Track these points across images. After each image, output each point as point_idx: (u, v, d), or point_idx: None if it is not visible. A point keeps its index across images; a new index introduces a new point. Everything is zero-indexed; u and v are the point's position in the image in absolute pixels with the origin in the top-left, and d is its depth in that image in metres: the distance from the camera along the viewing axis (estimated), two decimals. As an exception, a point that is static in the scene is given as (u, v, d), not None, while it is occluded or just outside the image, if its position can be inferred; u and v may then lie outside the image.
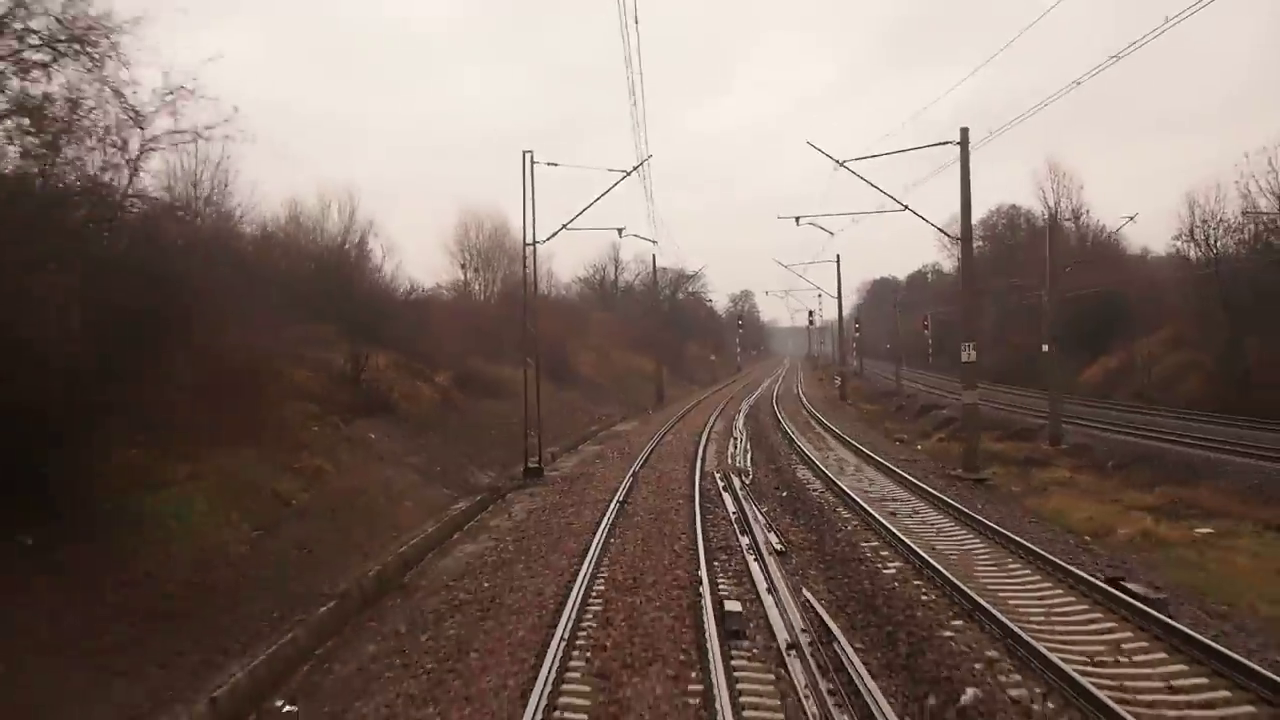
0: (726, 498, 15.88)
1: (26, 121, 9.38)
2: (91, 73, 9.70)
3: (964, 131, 18.42)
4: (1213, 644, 7.56)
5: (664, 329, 67.34)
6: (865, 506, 14.44)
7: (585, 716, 6.80)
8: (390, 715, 6.99)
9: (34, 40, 9.55)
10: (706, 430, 28.25)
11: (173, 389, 11.72)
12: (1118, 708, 6.34)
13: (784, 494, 16.71)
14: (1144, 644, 8.03)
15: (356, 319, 19.91)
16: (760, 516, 14.01)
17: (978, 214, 74.55)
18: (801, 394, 50.25)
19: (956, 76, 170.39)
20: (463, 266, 44.92)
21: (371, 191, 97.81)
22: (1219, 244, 41.03)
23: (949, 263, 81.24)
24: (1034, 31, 48.67)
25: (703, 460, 20.99)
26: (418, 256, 76.34)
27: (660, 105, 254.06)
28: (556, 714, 6.79)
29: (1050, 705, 6.74)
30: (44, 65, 9.52)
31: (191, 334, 11.70)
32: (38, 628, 7.69)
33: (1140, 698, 6.82)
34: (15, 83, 9.36)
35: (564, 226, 21.87)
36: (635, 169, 20.63)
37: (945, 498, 15.30)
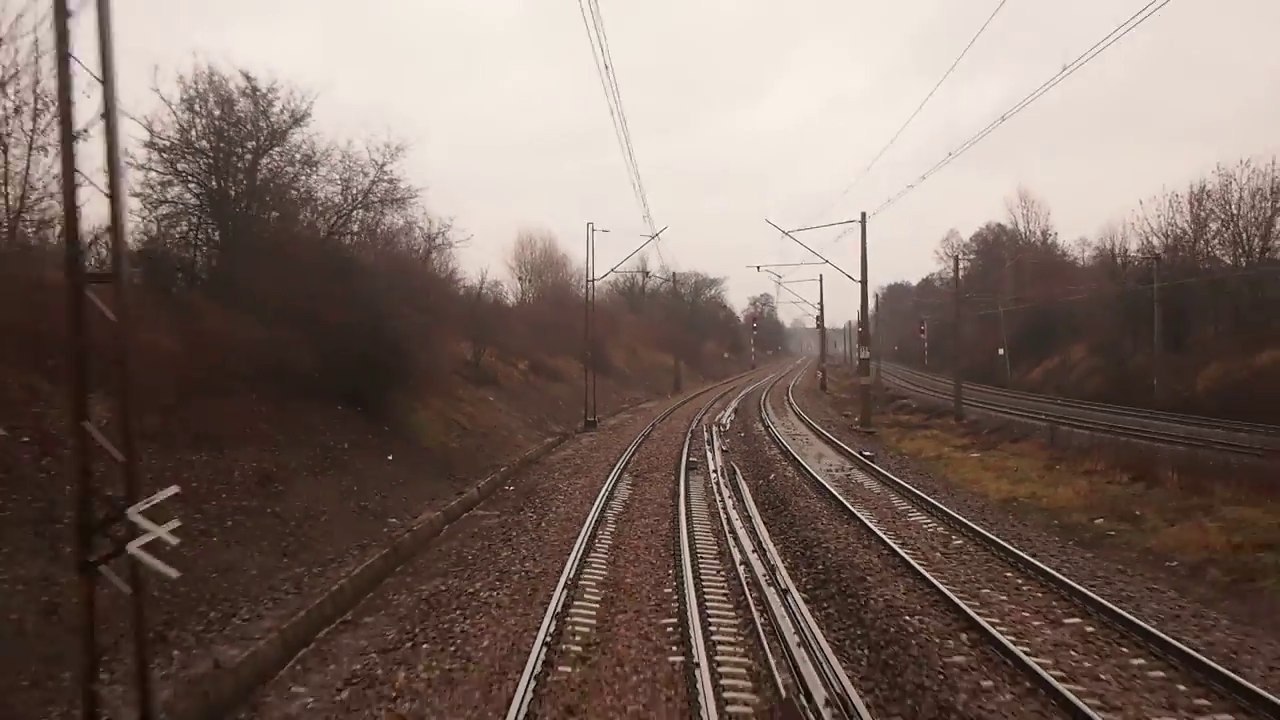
0: (706, 435, 26.92)
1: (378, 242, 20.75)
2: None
3: (863, 215, 29.23)
4: (886, 473, 18.55)
5: (684, 331, 78.75)
6: (781, 439, 25.45)
7: (630, 488, 17.92)
8: (553, 486, 18.20)
9: (376, 200, 20.95)
10: (708, 408, 39.29)
11: (413, 369, 22.97)
12: (829, 485, 17.36)
13: (741, 434, 27.77)
14: (855, 470, 19.07)
15: (477, 327, 31.17)
16: (719, 440, 25.09)
17: (972, 228, 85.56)
18: (792, 386, 61.08)
19: (986, 81, 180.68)
20: (520, 279, 56.29)
21: (437, 188, 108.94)
22: (1125, 269, 51.51)
23: (949, 271, 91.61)
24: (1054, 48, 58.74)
25: (699, 422, 32.03)
26: (477, 255, 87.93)
27: (697, 107, 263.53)
28: (620, 485, 17.92)
29: (805, 484, 17.74)
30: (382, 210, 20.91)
31: (427, 344, 23.00)
32: (396, 468, 18.93)
33: (838, 474, 17.84)
34: (372, 218, 20.75)
35: (612, 270, 33.05)
36: (654, 237, 31.64)
37: (831, 435, 26.30)
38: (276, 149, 19.22)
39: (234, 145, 18.34)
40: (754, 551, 11.55)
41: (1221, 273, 43.65)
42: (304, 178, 19.70)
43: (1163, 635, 8.04)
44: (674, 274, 74.74)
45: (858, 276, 29.92)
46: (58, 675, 6.28)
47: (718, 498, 15.79)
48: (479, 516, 16.13)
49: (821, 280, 58.00)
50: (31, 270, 12.35)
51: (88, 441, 5.06)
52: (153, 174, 17.13)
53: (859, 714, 6.42)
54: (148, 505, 5.09)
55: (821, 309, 59.21)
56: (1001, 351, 63.79)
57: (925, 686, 7.14)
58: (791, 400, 45.38)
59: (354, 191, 21.21)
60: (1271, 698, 6.54)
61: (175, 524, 5.22)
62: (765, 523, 13.82)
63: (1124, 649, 8.03)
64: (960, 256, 61.13)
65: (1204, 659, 7.42)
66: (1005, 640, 8.01)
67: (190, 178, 17.77)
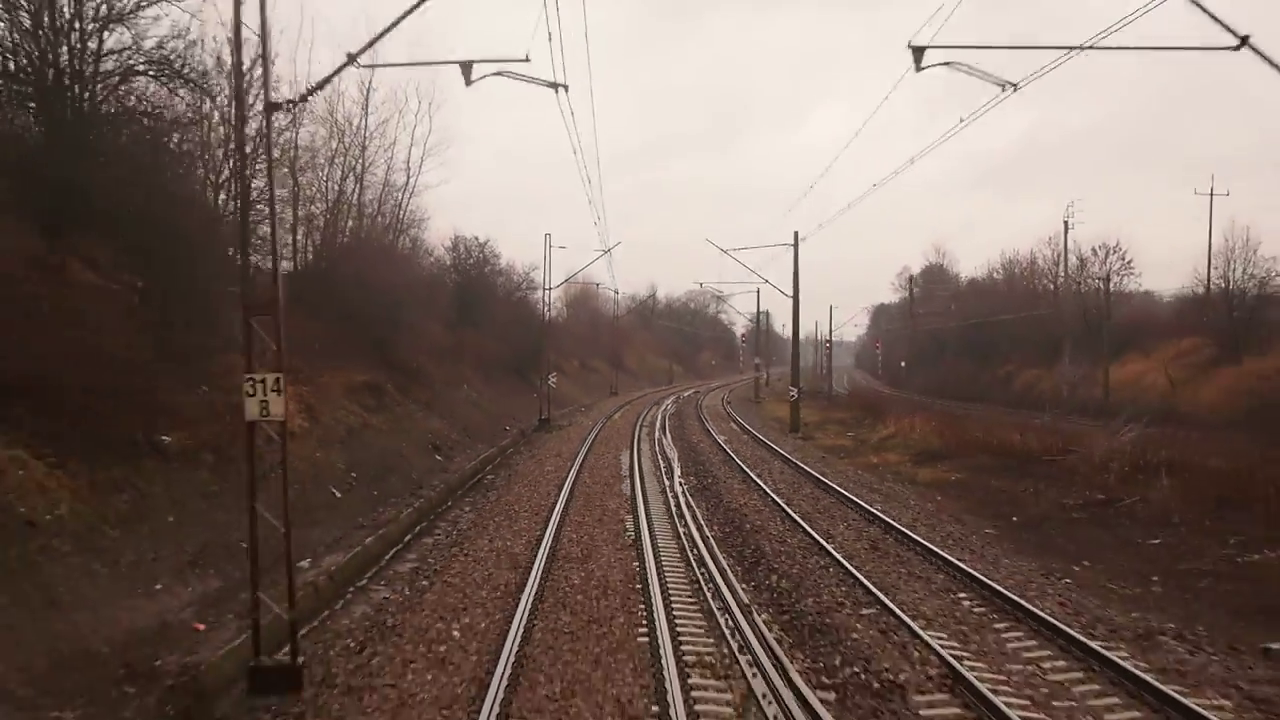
0: (662, 415, 52.70)
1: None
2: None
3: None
4: (734, 413, 44.33)
5: (682, 344, 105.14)
6: (708, 425, 51.23)
7: (620, 414, 43.75)
8: (593, 404, 44.18)
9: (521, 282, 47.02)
10: (675, 396, 65.03)
11: (537, 360, 48.97)
12: (707, 417, 43.17)
13: (691, 404, 53.65)
14: (731, 406, 44.93)
15: (552, 339, 57.22)
16: (668, 421, 50.98)
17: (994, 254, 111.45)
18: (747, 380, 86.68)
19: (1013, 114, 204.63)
20: (566, 305, 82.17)
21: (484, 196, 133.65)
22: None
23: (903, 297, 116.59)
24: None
25: (663, 406, 57.70)
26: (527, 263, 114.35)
27: (737, 128, 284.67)
28: (617, 413, 43.77)
29: (697, 413, 43.54)
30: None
31: (537, 348, 49.25)
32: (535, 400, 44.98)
33: (722, 408, 43.70)
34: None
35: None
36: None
37: (733, 400, 52.06)
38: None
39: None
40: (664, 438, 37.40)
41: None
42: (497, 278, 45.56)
43: (840, 489, 33.72)
44: (664, 301, 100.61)
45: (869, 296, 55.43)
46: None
47: (659, 417, 41.54)
48: (585, 409, 41.99)
49: (759, 294, 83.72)
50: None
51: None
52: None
53: (704, 525, 32.21)
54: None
55: (758, 319, 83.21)
56: (903, 363, 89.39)
57: (730, 508, 32.88)
58: (734, 389, 71.30)
59: (518, 282, 47.10)
60: (862, 503, 32.27)
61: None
62: (672, 430, 39.52)
63: (818, 495, 33.63)
64: (910, 283, 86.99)
65: (849, 495, 33.15)
66: (769, 493, 33.71)
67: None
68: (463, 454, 25.78)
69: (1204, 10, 10.12)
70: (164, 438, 13.00)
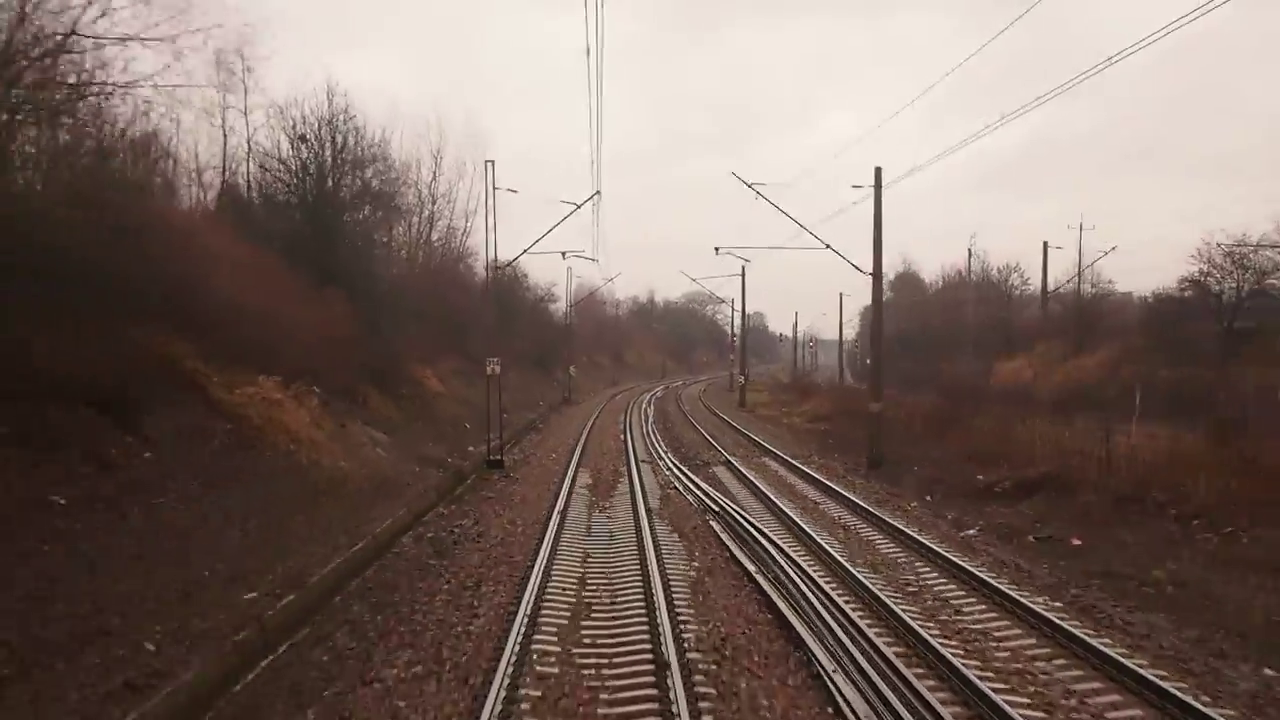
0: (650, 397, 67.53)
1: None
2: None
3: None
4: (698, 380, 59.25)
5: (677, 342, 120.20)
6: (682, 405, 66.09)
7: (612, 397, 58.67)
8: (593, 389, 59.13)
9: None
10: (664, 385, 79.79)
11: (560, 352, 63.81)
12: (684, 399, 58.08)
13: (664, 398, 68.55)
14: (698, 407, 59.85)
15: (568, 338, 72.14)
16: (654, 401, 65.84)
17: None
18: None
19: (1022, 117, 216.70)
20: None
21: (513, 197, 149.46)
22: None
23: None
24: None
25: (654, 392, 72.52)
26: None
27: (750, 130, 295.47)
28: (601, 410, 58.71)
29: (676, 414, 58.45)
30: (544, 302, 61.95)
31: (556, 347, 64.22)
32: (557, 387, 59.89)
33: (697, 389, 58.59)
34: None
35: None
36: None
37: (714, 408, 66.92)
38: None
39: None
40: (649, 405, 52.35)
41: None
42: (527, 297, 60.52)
43: (767, 445, 48.65)
44: (662, 304, 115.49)
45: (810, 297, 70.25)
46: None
47: (647, 399, 56.43)
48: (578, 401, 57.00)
49: (733, 303, 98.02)
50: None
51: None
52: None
53: (658, 438, 47.12)
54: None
55: (744, 316, 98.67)
56: (866, 360, 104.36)
57: (675, 434, 47.80)
58: (715, 382, 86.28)
59: (540, 295, 61.88)
60: (787, 456, 47.18)
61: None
62: (655, 404, 54.41)
63: (730, 432, 48.52)
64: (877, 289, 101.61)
65: (776, 450, 48.07)
66: (700, 429, 48.61)
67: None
68: (518, 414, 40.60)
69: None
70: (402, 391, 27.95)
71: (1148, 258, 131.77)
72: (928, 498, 18.28)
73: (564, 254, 40.36)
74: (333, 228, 30.08)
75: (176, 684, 7.02)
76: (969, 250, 73.49)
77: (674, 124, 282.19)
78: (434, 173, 48.60)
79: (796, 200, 38.42)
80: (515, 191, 52.48)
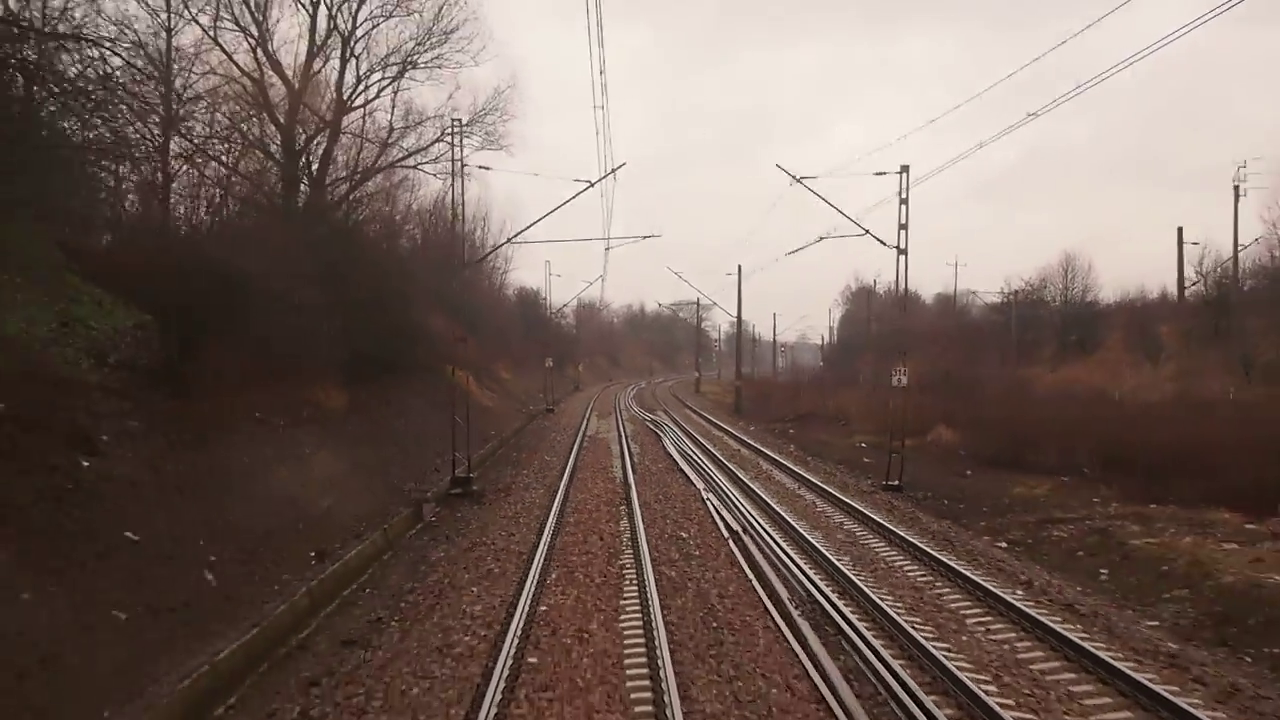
0: (636, 390, 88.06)
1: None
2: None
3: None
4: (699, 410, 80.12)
5: (663, 346, 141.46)
6: (657, 395, 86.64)
7: (601, 396, 79.47)
8: (585, 395, 80.00)
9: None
10: (649, 383, 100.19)
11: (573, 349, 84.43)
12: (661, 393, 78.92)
13: (650, 388, 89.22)
14: (668, 395, 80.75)
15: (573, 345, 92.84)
16: (640, 392, 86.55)
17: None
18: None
19: (1018, 130, 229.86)
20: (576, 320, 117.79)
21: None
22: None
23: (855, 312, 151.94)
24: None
25: (639, 389, 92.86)
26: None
27: (757, 142, 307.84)
28: (599, 394, 79.49)
29: (650, 399, 79.24)
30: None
31: (570, 348, 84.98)
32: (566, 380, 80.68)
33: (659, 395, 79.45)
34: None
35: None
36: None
37: (676, 394, 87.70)
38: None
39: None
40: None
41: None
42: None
43: (689, 405, 69.39)
44: (651, 313, 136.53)
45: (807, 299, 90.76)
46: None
47: (633, 390, 77.15)
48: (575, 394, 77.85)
49: (698, 303, 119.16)
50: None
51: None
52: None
53: (634, 411, 67.93)
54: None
55: (740, 315, 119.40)
56: (821, 363, 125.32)
57: (646, 407, 68.55)
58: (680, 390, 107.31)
59: (553, 311, 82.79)
60: (694, 407, 67.95)
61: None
62: (639, 393, 75.11)
63: (680, 406, 69.17)
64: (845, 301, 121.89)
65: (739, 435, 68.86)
66: (660, 403, 69.27)
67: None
68: (560, 391, 61.48)
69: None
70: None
71: (1144, 267, 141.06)
72: (751, 428, 39.11)
73: (584, 285, 58.37)
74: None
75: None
76: (897, 259, 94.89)
77: (682, 135, 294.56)
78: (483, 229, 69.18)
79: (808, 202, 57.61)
80: (553, 269, 72.71)
